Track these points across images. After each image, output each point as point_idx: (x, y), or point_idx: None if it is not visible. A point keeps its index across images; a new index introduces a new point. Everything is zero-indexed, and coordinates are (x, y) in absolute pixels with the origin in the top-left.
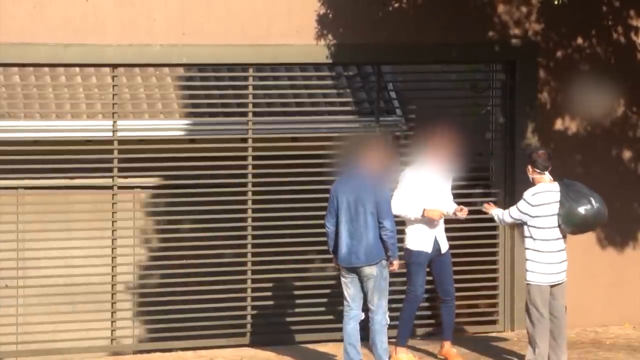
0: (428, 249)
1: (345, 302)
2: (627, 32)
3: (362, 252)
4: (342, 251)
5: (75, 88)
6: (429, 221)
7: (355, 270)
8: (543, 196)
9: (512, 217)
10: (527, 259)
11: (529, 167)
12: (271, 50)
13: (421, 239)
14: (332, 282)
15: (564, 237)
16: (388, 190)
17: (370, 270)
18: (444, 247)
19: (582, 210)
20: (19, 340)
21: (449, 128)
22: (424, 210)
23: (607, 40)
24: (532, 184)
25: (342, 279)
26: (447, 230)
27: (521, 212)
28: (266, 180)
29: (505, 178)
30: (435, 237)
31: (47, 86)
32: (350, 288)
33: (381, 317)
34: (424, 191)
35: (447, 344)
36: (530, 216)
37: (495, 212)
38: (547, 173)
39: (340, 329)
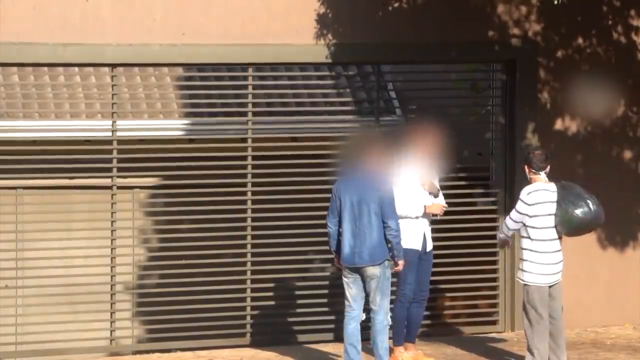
0: (418, 246)
1: (346, 303)
2: (627, 32)
3: (365, 252)
4: (345, 251)
5: (74, 88)
6: (422, 218)
7: (358, 271)
8: (538, 195)
9: (513, 220)
10: (524, 260)
11: (525, 167)
12: (271, 50)
13: (411, 237)
14: (332, 282)
15: (560, 237)
16: (392, 189)
17: (373, 271)
18: (429, 245)
19: (579, 213)
20: (18, 341)
21: (436, 124)
22: (425, 207)
23: (608, 40)
24: (529, 184)
25: (344, 279)
26: (447, 230)
27: (520, 212)
28: (266, 180)
29: (505, 178)
30: (424, 235)
31: (46, 86)
32: (352, 288)
33: (383, 318)
34: (419, 188)
35: (413, 347)
36: (528, 216)
37: (498, 233)
38: (542, 173)
39: (340, 329)
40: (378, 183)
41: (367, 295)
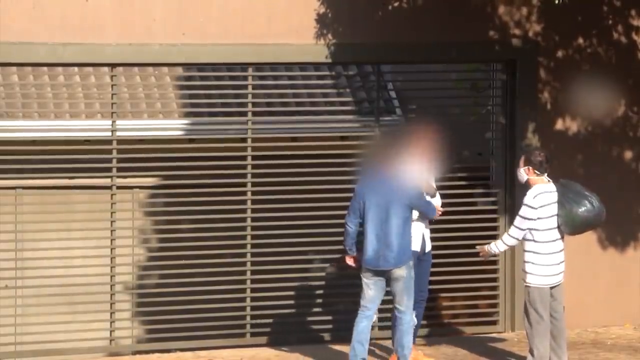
0: (417, 247)
1: (362, 302)
2: (627, 32)
3: (391, 256)
4: (369, 254)
5: (74, 87)
6: (422, 220)
7: (383, 273)
8: (543, 197)
9: (519, 229)
10: (526, 261)
11: (528, 168)
12: (271, 50)
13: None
14: (332, 282)
15: (562, 237)
16: (419, 188)
17: (400, 272)
18: (428, 246)
19: (583, 211)
20: (18, 341)
21: (436, 124)
22: None
23: (608, 39)
24: (526, 184)
25: (365, 280)
26: (447, 230)
27: (526, 218)
28: (265, 180)
29: (506, 178)
30: (423, 236)
31: (46, 86)
32: (371, 290)
33: (410, 318)
34: None
35: (413, 347)
36: (534, 220)
37: (492, 246)
38: (545, 175)
39: (340, 329)
40: (405, 185)
41: (393, 296)
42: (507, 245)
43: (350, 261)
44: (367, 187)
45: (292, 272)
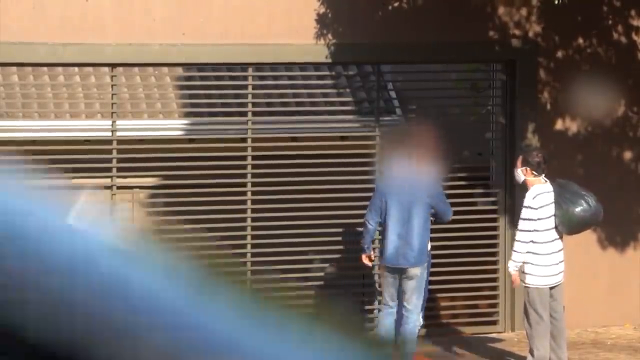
0: None
1: (384, 301)
2: (627, 32)
3: (411, 255)
4: (389, 252)
5: (74, 88)
6: None
7: (398, 271)
8: (542, 198)
9: (527, 231)
10: (525, 262)
11: (526, 169)
12: (271, 50)
13: None
14: (332, 282)
15: (561, 237)
16: (441, 187)
17: (415, 272)
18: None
19: (579, 211)
20: None
21: (436, 124)
22: None
23: (608, 40)
24: (523, 184)
25: (385, 280)
26: (447, 230)
27: (529, 219)
28: (266, 180)
29: (505, 178)
30: None
31: (46, 86)
32: (392, 288)
33: (416, 317)
34: None
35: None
36: (534, 220)
37: (511, 265)
38: (542, 175)
39: None
40: (428, 185)
41: (403, 294)
42: (521, 253)
43: (366, 260)
44: (388, 186)
45: (292, 272)
